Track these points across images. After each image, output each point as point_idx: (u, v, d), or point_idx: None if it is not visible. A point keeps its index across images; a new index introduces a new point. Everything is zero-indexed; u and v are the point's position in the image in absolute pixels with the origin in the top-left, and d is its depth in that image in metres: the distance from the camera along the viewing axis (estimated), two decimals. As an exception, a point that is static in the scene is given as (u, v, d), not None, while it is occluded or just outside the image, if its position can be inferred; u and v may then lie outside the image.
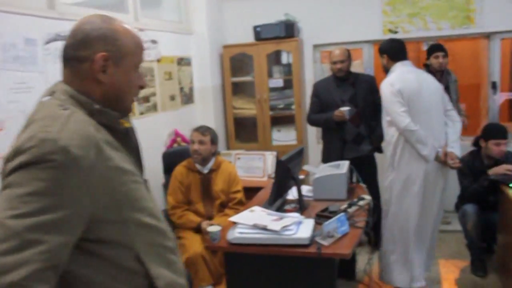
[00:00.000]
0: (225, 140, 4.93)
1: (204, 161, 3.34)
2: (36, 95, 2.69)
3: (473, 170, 3.59)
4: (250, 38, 4.68)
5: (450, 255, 3.97)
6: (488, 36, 4.53)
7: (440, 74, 4.05)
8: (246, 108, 4.82)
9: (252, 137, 4.86)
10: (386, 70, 3.28)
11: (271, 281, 2.49)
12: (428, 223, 3.17)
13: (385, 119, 3.20)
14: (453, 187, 3.71)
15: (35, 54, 2.73)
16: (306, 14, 4.72)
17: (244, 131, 5.00)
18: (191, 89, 4.60)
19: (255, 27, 4.59)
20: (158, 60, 4.00)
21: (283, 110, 4.72)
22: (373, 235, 3.51)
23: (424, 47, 4.70)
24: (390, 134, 3.18)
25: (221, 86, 4.86)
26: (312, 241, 2.38)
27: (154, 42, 3.93)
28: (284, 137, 4.72)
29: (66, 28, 2.89)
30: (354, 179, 3.30)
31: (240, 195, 3.40)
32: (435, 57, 4.05)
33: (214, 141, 3.36)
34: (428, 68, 4.04)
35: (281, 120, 4.76)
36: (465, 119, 4.21)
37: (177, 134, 4.19)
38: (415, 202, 3.11)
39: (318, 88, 3.96)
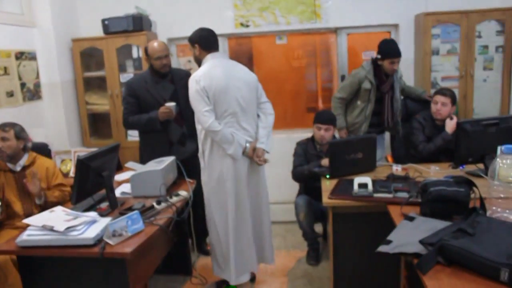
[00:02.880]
0: (80, 137, 4.77)
1: (13, 158, 3.19)
2: None
3: (306, 154, 3.70)
4: (100, 31, 4.54)
5: (293, 245, 4.10)
6: (335, 31, 4.71)
7: (387, 74, 3.88)
8: (100, 103, 4.69)
9: (108, 133, 4.74)
10: (198, 62, 3.17)
11: (69, 284, 2.44)
12: (247, 220, 3.16)
13: (194, 114, 3.13)
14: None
15: None
16: (159, 7, 4.67)
17: (100, 127, 4.88)
18: (36, 85, 4.39)
19: (103, 20, 4.46)
20: (-13, 55, 3.78)
21: (136, 105, 4.62)
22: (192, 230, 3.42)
23: (277, 40, 4.81)
24: (198, 130, 3.13)
25: (72, 81, 4.68)
26: (99, 241, 2.35)
27: (-20, 35, 3.70)
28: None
29: None
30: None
31: (66, 188, 3.32)
32: (391, 62, 3.78)
33: (19, 136, 3.19)
34: (376, 65, 3.87)
35: (136, 115, 4.67)
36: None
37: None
38: (230, 198, 3.08)
39: (135, 87, 3.59)
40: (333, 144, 3.26)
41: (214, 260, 3.28)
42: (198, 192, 3.23)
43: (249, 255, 3.22)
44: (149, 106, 3.55)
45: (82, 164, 2.63)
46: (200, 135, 3.12)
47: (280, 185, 4.51)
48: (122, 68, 4.61)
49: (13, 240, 2.45)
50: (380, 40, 3.94)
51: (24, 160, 3.24)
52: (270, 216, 3.37)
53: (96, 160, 2.73)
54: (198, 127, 3.11)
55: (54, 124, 4.49)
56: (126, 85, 3.70)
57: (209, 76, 2.99)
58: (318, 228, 3.89)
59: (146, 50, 3.59)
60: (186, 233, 3.42)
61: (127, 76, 4.56)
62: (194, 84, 3.00)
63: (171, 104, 3.45)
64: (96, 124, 4.87)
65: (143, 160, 3.59)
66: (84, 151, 3.97)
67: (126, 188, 3.19)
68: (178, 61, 4.86)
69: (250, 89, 3.14)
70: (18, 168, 3.22)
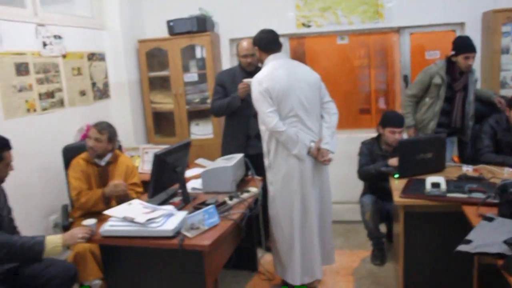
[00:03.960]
0: (144, 135, 4.93)
1: (100, 156, 3.38)
2: None
3: (372, 153, 3.67)
4: (165, 32, 4.68)
5: (357, 245, 4.08)
6: (398, 30, 4.65)
7: (461, 73, 3.81)
8: (164, 102, 4.83)
9: (171, 131, 4.88)
10: (262, 63, 3.21)
11: (144, 272, 2.54)
12: (313, 219, 3.12)
13: (258, 115, 3.14)
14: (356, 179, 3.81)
15: None
16: (221, 8, 4.76)
17: (164, 125, 5.03)
18: (105, 84, 4.58)
19: (168, 22, 4.59)
20: (64, 56, 3.97)
21: (199, 104, 4.74)
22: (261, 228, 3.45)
23: (338, 40, 4.80)
24: (262, 130, 3.13)
25: (138, 81, 4.85)
26: (177, 233, 2.43)
27: (57, 37, 3.90)
28: (202, 130, 4.75)
29: None
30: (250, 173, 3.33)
31: (139, 189, 3.45)
32: (465, 57, 3.71)
33: (111, 139, 3.38)
34: (450, 63, 3.82)
35: (199, 114, 4.78)
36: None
37: (88, 129, 4.16)
38: (296, 198, 3.07)
39: (223, 78, 3.84)
40: (402, 143, 3.23)
41: (277, 259, 3.28)
42: (266, 189, 3.27)
43: (314, 256, 3.18)
44: None
45: (159, 159, 2.73)
46: (264, 136, 3.12)
47: (341, 185, 4.49)
48: (186, 68, 4.73)
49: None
50: (455, 37, 3.95)
51: (109, 156, 3.43)
52: (332, 215, 3.35)
53: (171, 156, 2.83)
54: (262, 127, 3.13)
55: (121, 122, 4.64)
56: (217, 76, 3.97)
57: (272, 77, 3.01)
58: (382, 228, 3.84)
59: (237, 47, 3.81)
60: (252, 229, 3.47)
61: (191, 76, 4.69)
62: (257, 85, 3.03)
63: (249, 80, 3.48)
64: (160, 122, 5.02)
65: (224, 150, 3.86)
66: (152, 148, 4.10)
67: (196, 183, 3.27)
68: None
69: (313, 89, 3.12)
70: (103, 163, 3.41)
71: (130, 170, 3.49)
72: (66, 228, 3.37)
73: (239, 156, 3.32)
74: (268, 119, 2.98)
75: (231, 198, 2.87)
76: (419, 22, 4.55)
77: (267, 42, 3.16)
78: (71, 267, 2.84)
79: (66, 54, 4.00)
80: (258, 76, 3.06)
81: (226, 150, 3.80)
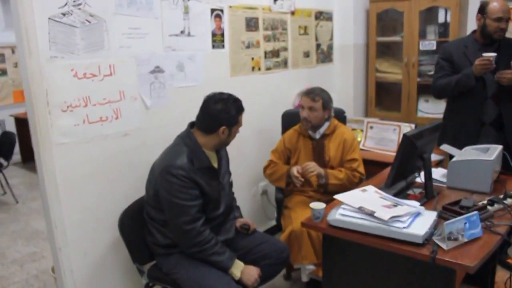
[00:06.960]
0: (363, 106, 4.49)
1: (315, 127, 3.00)
2: (149, 41, 2.60)
3: None
4: (401, -9, 4.07)
5: None
6: None
7: None
8: (391, 72, 4.30)
9: (395, 105, 4.33)
10: None
11: (372, 275, 2.11)
12: None
13: None
14: None
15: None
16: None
17: (386, 98, 4.50)
18: (330, 47, 4.20)
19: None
20: (292, 13, 3.67)
21: (434, 77, 4.06)
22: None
23: None
24: None
25: (364, 45, 4.38)
26: (427, 240, 1.91)
27: (288, -8, 3.60)
28: (432, 109, 4.09)
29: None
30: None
31: (356, 165, 2.98)
32: None
33: (326, 106, 2.95)
34: None
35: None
36: None
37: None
38: None
39: (451, 50, 3.12)
40: None
41: None
42: None
43: None
44: None
45: (408, 142, 2.21)
46: None
47: None
48: (422, 34, 4.08)
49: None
50: None
51: (324, 128, 3.04)
52: None
53: (421, 139, 2.29)
54: None
55: (341, 90, 4.29)
56: (442, 48, 3.27)
57: None
58: None
59: (482, 7, 3.01)
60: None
61: (428, 43, 4.03)
62: None
63: (491, 55, 2.80)
64: (382, 94, 4.50)
65: (444, 138, 3.08)
66: (377, 123, 3.63)
67: (434, 173, 2.68)
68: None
69: None
70: (317, 136, 3.05)
71: (349, 144, 3.03)
72: (279, 201, 3.12)
73: (497, 148, 2.61)
74: None
75: (492, 203, 2.22)
76: None
77: None
78: (284, 248, 2.59)
79: (295, 11, 3.70)
80: None
81: (450, 138, 3.07)
